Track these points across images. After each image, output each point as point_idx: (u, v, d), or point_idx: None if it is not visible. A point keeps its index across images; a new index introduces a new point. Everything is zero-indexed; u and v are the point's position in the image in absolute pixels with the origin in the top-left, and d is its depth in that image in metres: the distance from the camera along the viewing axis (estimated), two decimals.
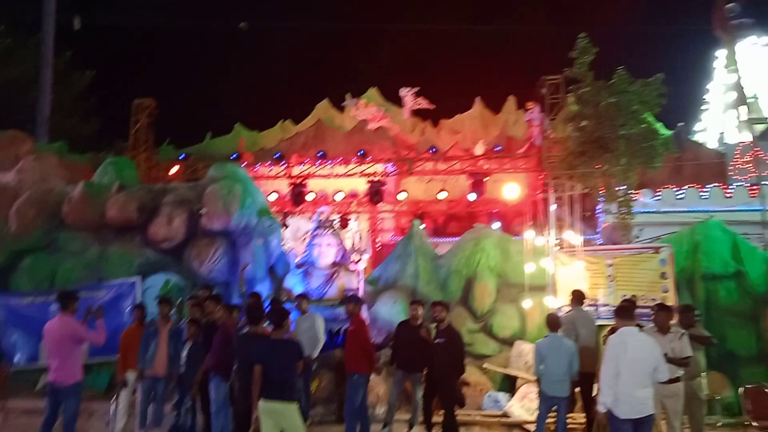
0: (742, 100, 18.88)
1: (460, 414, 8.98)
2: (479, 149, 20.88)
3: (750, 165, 18.50)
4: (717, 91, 24.55)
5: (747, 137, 19.39)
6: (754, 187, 17.02)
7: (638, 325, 6.82)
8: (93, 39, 26.56)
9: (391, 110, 24.81)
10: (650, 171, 15.10)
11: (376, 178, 19.89)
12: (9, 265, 12.48)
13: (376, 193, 19.64)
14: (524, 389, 10.47)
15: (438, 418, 8.81)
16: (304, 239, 12.66)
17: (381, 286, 13.05)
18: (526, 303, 11.85)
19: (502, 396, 10.70)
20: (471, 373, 10.74)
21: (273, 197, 19.94)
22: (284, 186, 20.78)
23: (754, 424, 9.08)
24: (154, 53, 34.77)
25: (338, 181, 20.77)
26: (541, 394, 8.05)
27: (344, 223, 15.70)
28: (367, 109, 24.18)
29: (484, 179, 19.72)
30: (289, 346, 6.68)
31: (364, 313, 10.74)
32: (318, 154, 21.10)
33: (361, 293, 11.75)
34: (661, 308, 7.64)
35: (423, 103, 24.66)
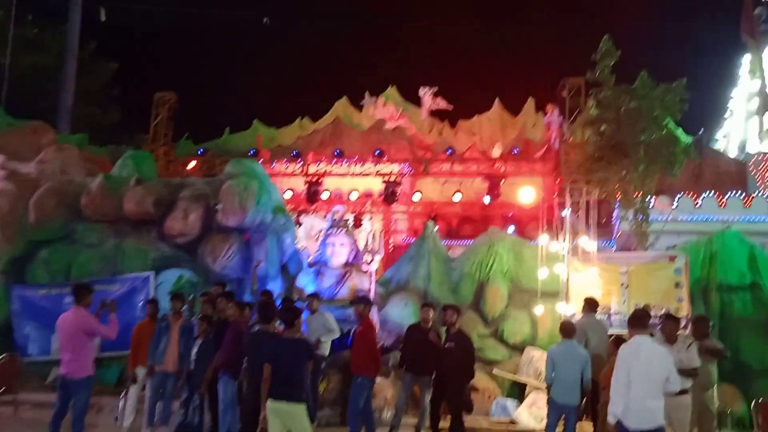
0: (766, 107, 18.60)
1: (468, 420, 8.95)
2: (496, 151, 20.80)
3: None
4: (740, 97, 24.20)
5: None
6: None
7: (651, 335, 6.76)
8: (117, 31, 26.79)
9: (409, 110, 24.77)
10: (669, 178, 14.95)
11: (391, 178, 19.88)
12: (26, 255, 12.61)
13: (391, 194, 19.64)
14: (533, 396, 10.42)
15: (445, 423, 8.80)
16: (317, 238, 12.66)
17: (392, 287, 13.06)
18: (538, 309, 11.78)
19: (510, 403, 10.66)
20: (480, 379, 10.72)
21: (288, 195, 20.01)
22: (300, 184, 20.86)
23: None
24: (176, 47, 35.02)
25: (353, 180, 20.81)
26: (551, 402, 7.98)
27: (358, 223, 15.72)
28: (385, 108, 24.16)
29: (500, 182, 19.63)
30: (299, 346, 6.64)
31: (375, 315, 10.76)
32: (335, 153, 21.15)
33: (372, 294, 11.76)
34: (669, 318, 7.55)
35: (442, 104, 24.58)
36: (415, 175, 20.94)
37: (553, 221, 12.16)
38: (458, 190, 20.31)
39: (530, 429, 9.79)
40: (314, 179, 20.36)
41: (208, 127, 25.49)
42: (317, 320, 9.37)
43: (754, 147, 20.27)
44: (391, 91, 25.58)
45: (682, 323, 10.00)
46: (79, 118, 23.64)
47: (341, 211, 13.02)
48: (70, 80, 23.21)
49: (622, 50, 14.62)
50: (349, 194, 20.60)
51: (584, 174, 14.97)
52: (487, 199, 19.60)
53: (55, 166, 13.84)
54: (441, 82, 24.96)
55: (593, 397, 8.46)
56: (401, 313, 12.12)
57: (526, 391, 10.82)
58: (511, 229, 18.15)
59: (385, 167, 20.46)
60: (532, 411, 10.15)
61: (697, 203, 16.87)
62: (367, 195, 20.89)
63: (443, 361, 8.63)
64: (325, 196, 20.35)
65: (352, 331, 8.83)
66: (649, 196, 14.48)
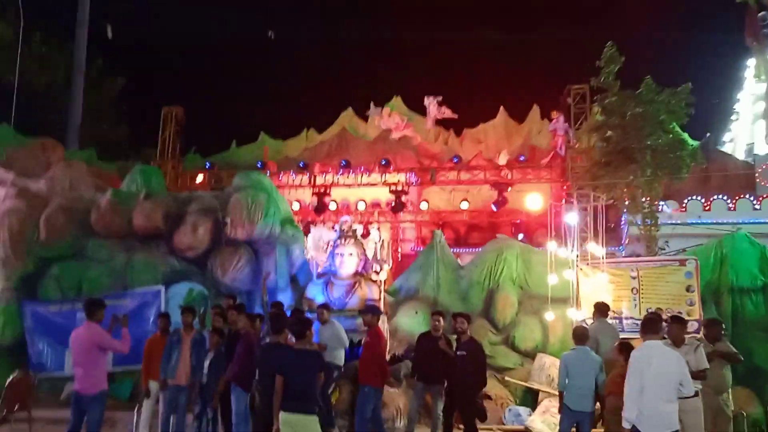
0: None
1: (481, 428, 8.92)
2: (502, 159, 20.80)
3: None
4: (746, 100, 24.15)
5: None
6: None
7: (664, 338, 6.73)
8: (124, 47, 27.07)
9: (414, 119, 24.84)
10: (676, 182, 14.92)
11: (398, 188, 19.91)
12: (37, 272, 12.68)
13: (398, 203, 19.67)
14: (546, 403, 10.37)
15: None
16: (326, 249, 12.69)
17: (402, 296, 13.06)
18: (549, 315, 11.75)
19: (523, 410, 10.61)
20: (492, 387, 10.68)
21: (296, 206, 20.07)
22: (307, 195, 20.92)
23: None
24: (182, 62, 35.26)
25: (360, 191, 20.86)
26: (565, 409, 7.92)
27: (366, 233, 15.73)
28: (390, 118, 24.24)
29: (507, 189, 19.63)
30: (310, 357, 6.64)
31: (384, 325, 10.76)
32: (341, 163, 21.22)
33: (382, 304, 11.76)
34: (675, 320, 7.46)
35: (447, 113, 24.64)
36: (422, 184, 20.97)
37: (560, 227, 12.14)
38: (465, 199, 20.33)
39: None
40: (321, 190, 20.42)
41: (215, 141, 25.61)
42: (328, 330, 9.39)
43: (762, 149, 20.20)
44: (396, 101, 25.66)
45: (695, 326, 9.99)
46: (88, 134, 23.88)
47: (349, 221, 13.05)
48: (78, 97, 23.48)
49: (626, 56, 14.67)
50: (356, 204, 20.66)
51: (591, 180, 14.98)
52: (494, 207, 19.57)
53: (64, 183, 13.93)
54: (445, 91, 25.07)
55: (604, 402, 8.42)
56: (411, 321, 12.12)
57: (539, 398, 10.77)
58: (519, 236, 18.12)
59: (392, 177, 20.50)
60: (546, 418, 10.09)
61: (707, 206, 16.81)
62: (375, 205, 20.94)
63: (455, 370, 8.61)
64: (332, 206, 20.40)
65: (363, 342, 8.84)
66: (657, 201, 14.47)
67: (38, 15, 22.97)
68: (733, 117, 25.10)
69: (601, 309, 9.51)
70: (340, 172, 20.89)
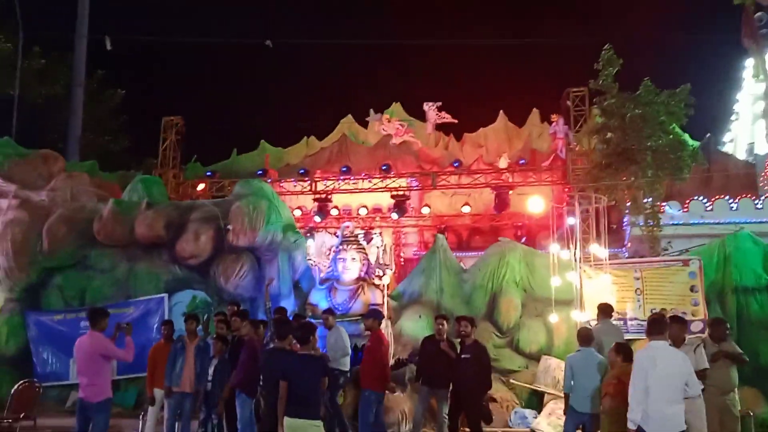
0: None
1: (487, 431, 8.89)
2: (503, 163, 20.81)
3: None
4: (746, 101, 24.17)
5: None
6: None
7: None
8: (124, 58, 27.16)
9: (414, 125, 24.87)
10: (678, 183, 14.93)
11: (399, 193, 19.92)
12: (40, 282, 12.72)
13: (399, 208, 19.67)
14: (551, 405, 10.35)
15: None
16: (329, 254, 12.69)
17: (405, 301, 13.06)
18: (553, 317, 11.73)
19: (529, 412, 10.59)
20: (497, 389, 10.66)
21: (297, 213, 20.06)
22: (308, 202, 20.92)
23: None
24: (181, 71, 35.36)
25: (362, 196, 20.86)
26: (570, 410, 7.89)
27: (368, 238, 15.73)
28: (390, 124, 24.27)
29: (509, 193, 19.62)
30: (314, 362, 6.61)
31: (388, 329, 10.75)
32: (342, 170, 21.22)
33: (385, 309, 11.76)
34: (674, 320, 7.38)
35: (447, 117, 24.68)
36: (423, 189, 20.97)
37: (563, 230, 12.14)
38: (466, 203, 20.33)
39: None
40: (323, 196, 20.42)
41: (215, 150, 25.61)
42: (333, 336, 9.38)
43: (762, 149, 20.20)
44: (396, 107, 25.70)
45: (700, 327, 9.96)
46: (89, 145, 23.92)
47: (351, 227, 13.05)
48: (78, 109, 23.51)
49: (625, 58, 14.72)
50: (358, 210, 20.67)
51: (592, 182, 14.99)
52: (495, 210, 19.58)
53: (65, 194, 13.97)
54: (444, 96, 25.15)
55: None
56: (415, 326, 12.12)
57: (545, 400, 10.74)
58: (522, 239, 18.12)
59: (393, 182, 20.51)
60: (551, 420, 10.07)
61: (710, 207, 16.79)
62: (376, 210, 20.94)
63: (460, 373, 8.60)
64: (334, 212, 20.40)
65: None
66: (660, 202, 14.48)
67: (38, 28, 23.11)
68: (732, 117, 25.12)
69: (605, 310, 9.47)
70: (341, 178, 20.88)
